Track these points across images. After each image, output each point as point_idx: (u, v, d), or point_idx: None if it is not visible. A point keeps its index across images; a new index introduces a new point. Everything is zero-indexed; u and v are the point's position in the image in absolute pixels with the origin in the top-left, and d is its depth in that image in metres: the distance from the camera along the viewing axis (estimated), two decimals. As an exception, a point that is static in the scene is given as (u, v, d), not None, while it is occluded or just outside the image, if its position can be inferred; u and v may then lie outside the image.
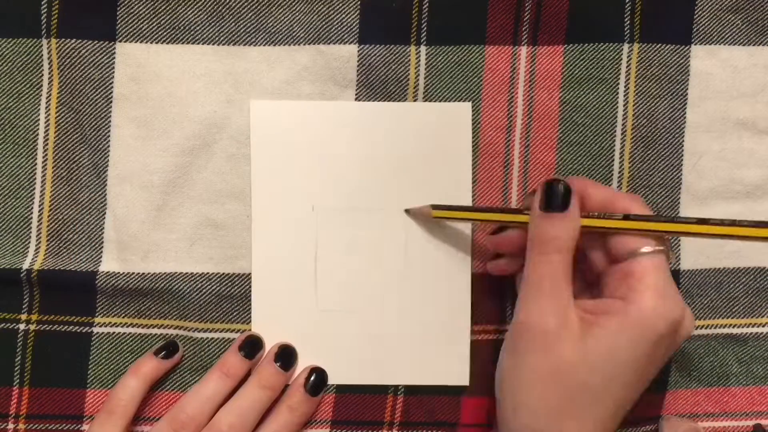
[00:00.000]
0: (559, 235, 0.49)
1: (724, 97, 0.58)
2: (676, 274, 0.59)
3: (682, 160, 0.59)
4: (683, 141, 0.59)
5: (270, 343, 0.58)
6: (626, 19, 0.57)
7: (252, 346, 0.57)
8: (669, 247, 0.49)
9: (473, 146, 0.58)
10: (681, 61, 0.58)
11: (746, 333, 0.60)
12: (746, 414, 0.60)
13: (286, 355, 0.57)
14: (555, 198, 0.50)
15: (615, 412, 0.49)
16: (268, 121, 0.57)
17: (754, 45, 0.58)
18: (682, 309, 0.48)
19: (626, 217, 0.49)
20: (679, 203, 0.59)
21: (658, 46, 0.58)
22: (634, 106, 0.58)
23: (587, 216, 0.50)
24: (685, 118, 0.58)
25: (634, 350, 0.47)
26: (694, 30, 0.58)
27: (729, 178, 0.59)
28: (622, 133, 0.58)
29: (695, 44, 0.58)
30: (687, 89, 0.58)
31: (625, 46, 0.58)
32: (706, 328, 0.59)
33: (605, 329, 0.47)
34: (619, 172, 0.58)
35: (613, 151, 0.58)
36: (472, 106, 0.58)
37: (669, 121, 0.58)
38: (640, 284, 0.47)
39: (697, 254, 0.59)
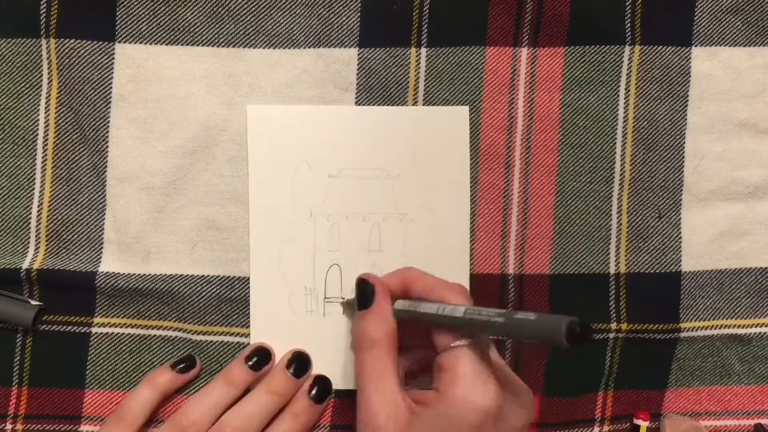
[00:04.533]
0: (370, 330, 0.51)
1: (725, 98, 0.58)
2: (677, 276, 0.59)
3: (683, 161, 0.59)
4: (684, 142, 0.58)
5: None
6: (627, 22, 0.57)
7: (259, 358, 0.57)
8: (485, 339, 0.49)
9: (474, 148, 0.58)
10: (682, 63, 0.58)
11: (750, 333, 0.60)
12: (748, 413, 0.60)
13: (299, 363, 0.57)
14: (362, 295, 0.53)
15: None
16: (265, 125, 0.57)
17: (754, 46, 0.58)
18: (495, 397, 0.46)
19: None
20: (680, 204, 0.59)
21: (658, 48, 0.58)
22: (635, 108, 0.58)
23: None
24: (686, 119, 0.58)
25: None
26: (695, 32, 0.58)
27: (730, 179, 0.59)
28: (623, 135, 0.58)
29: (696, 46, 0.58)
30: (688, 91, 0.58)
31: (626, 48, 0.58)
32: (709, 329, 0.59)
33: (422, 421, 0.47)
34: (621, 174, 0.58)
35: (615, 153, 0.58)
36: (473, 108, 0.58)
37: (670, 122, 0.58)
38: (449, 376, 0.47)
39: (698, 256, 0.59)
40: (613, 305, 0.58)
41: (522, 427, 0.49)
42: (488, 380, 0.47)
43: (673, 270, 0.59)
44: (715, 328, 0.59)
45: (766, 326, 0.60)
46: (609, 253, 0.59)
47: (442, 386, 0.47)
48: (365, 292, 0.52)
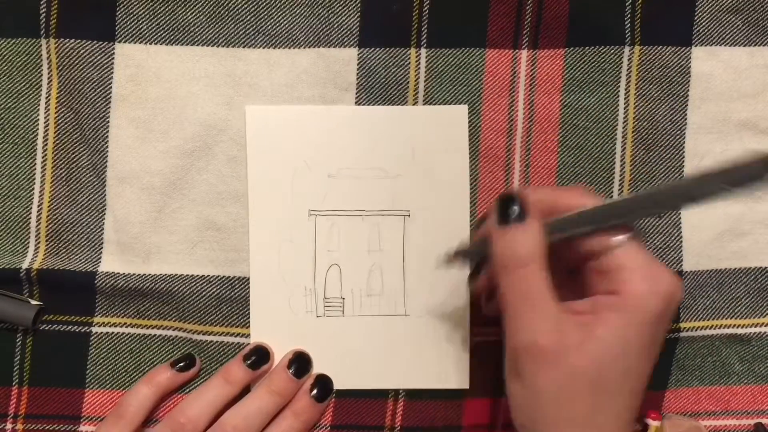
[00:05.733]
0: (522, 246, 0.47)
1: (725, 98, 0.58)
2: (679, 275, 0.58)
3: (683, 162, 0.59)
4: (684, 143, 0.58)
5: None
6: (627, 22, 0.57)
7: (258, 357, 0.57)
8: (637, 228, 0.48)
9: (474, 150, 0.58)
10: (682, 63, 0.58)
11: (749, 333, 0.60)
12: (748, 413, 0.60)
13: (300, 363, 0.57)
14: (508, 209, 0.48)
15: (633, 402, 0.47)
16: (264, 126, 0.57)
17: (754, 45, 0.58)
18: (671, 280, 0.46)
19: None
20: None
21: (658, 49, 0.58)
22: (635, 108, 0.58)
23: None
24: (686, 119, 0.58)
25: (642, 337, 0.46)
26: (695, 31, 0.58)
27: (730, 180, 0.58)
28: (623, 136, 0.58)
29: (696, 46, 0.58)
30: (688, 91, 0.58)
31: (626, 49, 0.58)
32: (709, 329, 0.59)
33: (609, 326, 0.46)
34: (621, 175, 0.58)
35: (614, 154, 0.58)
36: (473, 109, 0.58)
37: (670, 123, 0.58)
38: (625, 274, 0.46)
39: (698, 256, 0.59)
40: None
41: (679, 303, 0.49)
42: (660, 266, 0.46)
43: (675, 269, 0.59)
44: (714, 328, 0.59)
45: (765, 326, 0.60)
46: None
47: (621, 286, 0.46)
48: (512, 205, 0.47)
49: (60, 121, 0.57)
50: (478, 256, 0.54)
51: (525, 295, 0.46)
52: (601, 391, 0.46)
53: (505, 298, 0.47)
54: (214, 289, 0.58)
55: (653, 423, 0.58)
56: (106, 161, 0.57)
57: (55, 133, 0.57)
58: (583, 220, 0.47)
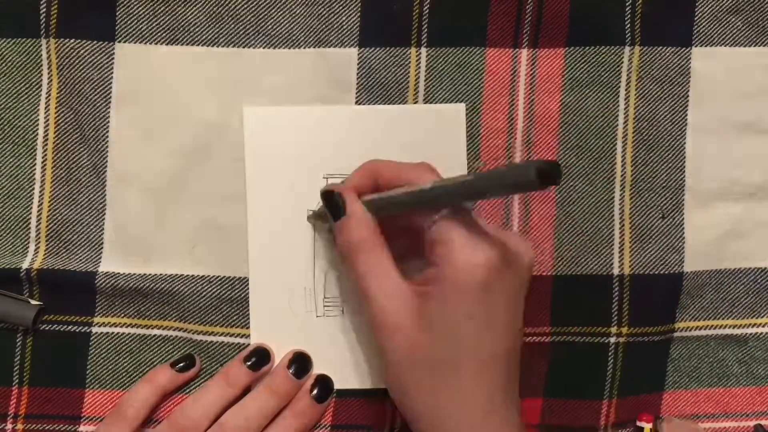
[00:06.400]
0: (352, 235, 0.50)
1: (725, 98, 0.58)
2: (678, 277, 0.59)
3: (684, 162, 0.59)
4: (685, 143, 0.58)
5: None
6: (627, 22, 0.58)
7: (258, 358, 0.57)
8: (467, 205, 0.48)
9: (474, 149, 0.58)
10: (682, 63, 0.58)
11: (747, 333, 0.60)
12: (747, 414, 0.60)
13: (300, 363, 0.57)
14: (333, 207, 0.52)
15: (487, 373, 0.48)
16: (262, 127, 0.57)
17: (754, 45, 0.58)
18: (493, 249, 0.46)
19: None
20: (682, 205, 0.59)
21: (658, 49, 0.58)
22: (635, 108, 0.58)
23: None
24: (686, 120, 0.58)
25: (466, 307, 0.46)
26: (695, 32, 0.58)
27: (731, 180, 0.59)
28: (623, 136, 0.58)
29: (696, 46, 0.58)
30: (688, 91, 0.58)
31: (626, 49, 0.58)
32: (706, 329, 0.59)
33: (432, 298, 0.47)
34: (621, 175, 0.58)
35: (615, 153, 0.58)
36: (473, 109, 0.58)
37: (670, 123, 0.58)
38: (443, 246, 0.47)
39: (699, 256, 0.59)
40: (616, 307, 0.58)
41: (529, 265, 0.49)
42: (482, 236, 0.46)
43: (677, 271, 0.59)
44: (711, 328, 0.59)
45: (762, 326, 0.60)
46: (612, 255, 0.58)
47: (439, 258, 0.47)
48: (334, 202, 0.51)
49: (60, 121, 0.57)
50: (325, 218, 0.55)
51: (365, 275, 0.50)
52: (437, 362, 0.48)
53: (352, 281, 0.51)
54: (214, 289, 0.57)
55: (646, 425, 0.58)
56: (106, 161, 0.57)
57: (55, 133, 0.57)
58: (403, 199, 0.49)
